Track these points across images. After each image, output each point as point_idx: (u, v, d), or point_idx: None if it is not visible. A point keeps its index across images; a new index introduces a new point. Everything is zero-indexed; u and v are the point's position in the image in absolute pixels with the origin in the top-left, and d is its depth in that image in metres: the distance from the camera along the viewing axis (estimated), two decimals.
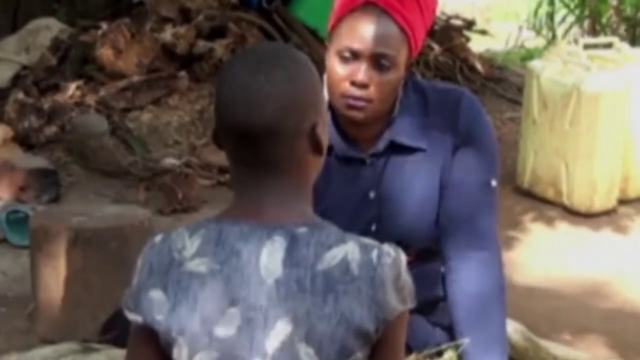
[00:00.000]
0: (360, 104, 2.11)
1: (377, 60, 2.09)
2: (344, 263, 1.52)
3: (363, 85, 2.09)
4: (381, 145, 2.20)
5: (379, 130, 2.20)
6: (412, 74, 2.21)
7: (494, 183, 2.24)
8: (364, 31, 2.09)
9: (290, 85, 1.55)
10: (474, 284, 2.19)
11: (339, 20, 2.13)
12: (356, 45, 2.09)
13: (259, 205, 1.57)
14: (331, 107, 2.16)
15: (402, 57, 2.12)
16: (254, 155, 1.56)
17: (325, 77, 2.14)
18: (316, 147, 1.59)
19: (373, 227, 2.21)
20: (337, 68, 2.11)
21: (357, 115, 2.12)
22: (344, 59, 2.10)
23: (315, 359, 1.50)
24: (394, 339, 1.57)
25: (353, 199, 2.22)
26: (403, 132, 2.20)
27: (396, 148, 2.21)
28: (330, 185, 2.17)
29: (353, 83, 2.10)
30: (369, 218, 2.22)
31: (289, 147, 1.56)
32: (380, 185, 2.22)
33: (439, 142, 2.21)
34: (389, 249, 1.56)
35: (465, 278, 2.20)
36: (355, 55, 2.09)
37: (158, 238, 1.60)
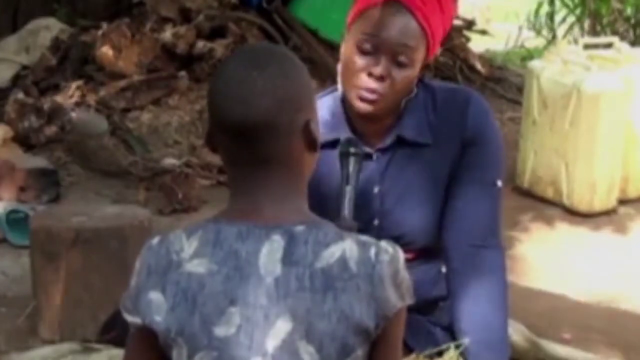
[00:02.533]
0: (373, 96, 2.13)
1: (396, 56, 2.11)
2: (342, 260, 1.53)
3: (380, 78, 2.11)
4: (388, 140, 2.22)
5: (387, 126, 2.22)
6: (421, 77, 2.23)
7: (499, 183, 2.25)
8: (385, 25, 2.11)
9: (284, 80, 1.56)
10: (476, 284, 2.19)
11: (360, 13, 2.15)
12: (377, 38, 2.11)
13: (256, 204, 1.58)
14: (343, 101, 2.20)
15: (419, 56, 2.14)
16: (250, 152, 1.56)
17: (339, 69, 2.18)
18: (311, 143, 1.60)
19: (376, 222, 2.22)
20: (355, 59, 2.13)
21: (367, 108, 2.14)
22: (363, 51, 2.12)
23: (316, 357, 1.51)
24: (393, 336, 1.58)
25: (357, 193, 2.23)
26: (410, 128, 2.22)
27: (403, 144, 2.22)
28: (335, 179, 2.18)
29: (370, 74, 2.11)
30: (372, 213, 2.23)
31: (285, 143, 1.57)
32: (385, 181, 2.23)
33: (445, 140, 2.22)
34: (386, 245, 1.57)
35: (467, 278, 2.20)
36: (376, 48, 2.11)
37: (155, 240, 1.60)
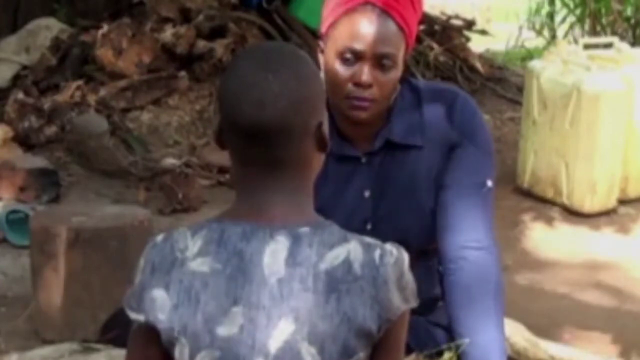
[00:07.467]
0: (365, 104, 2.12)
1: (380, 60, 2.10)
2: (347, 262, 1.52)
3: (367, 86, 2.10)
4: (377, 143, 2.21)
5: (376, 129, 2.21)
6: (405, 73, 2.22)
7: (489, 183, 2.23)
8: (365, 32, 2.09)
9: (298, 83, 1.56)
10: (471, 284, 2.18)
11: (336, 20, 2.13)
12: (358, 46, 2.09)
13: (262, 205, 1.57)
14: (327, 105, 2.17)
15: (401, 55, 2.13)
16: (261, 154, 1.56)
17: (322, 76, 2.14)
18: (321, 144, 1.60)
19: (368, 226, 2.21)
20: (339, 69, 2.11)
21: (361, 114, 2.13)
22: (345, 61, 2.10)
23: (318, 359, 1.51)
24: (396, 339, 1.58)
25: (348, 198, 2.22)
26: (399, 130, 2.20)
27: (392, 147, 2.21)
28: (325, 184, 2.16)
29: (357, 84, 2.10)
30: (364, 217, 2.22)
31: (297, 146, 1.57)
32: (375, 184, 2.23)
33: (434, 142, 2.21)
34: (391, 248, 1.56)
35: (461, 278, 2.18)
36: (358, 56, 2.09)
37: (159, 237, 1.60)
